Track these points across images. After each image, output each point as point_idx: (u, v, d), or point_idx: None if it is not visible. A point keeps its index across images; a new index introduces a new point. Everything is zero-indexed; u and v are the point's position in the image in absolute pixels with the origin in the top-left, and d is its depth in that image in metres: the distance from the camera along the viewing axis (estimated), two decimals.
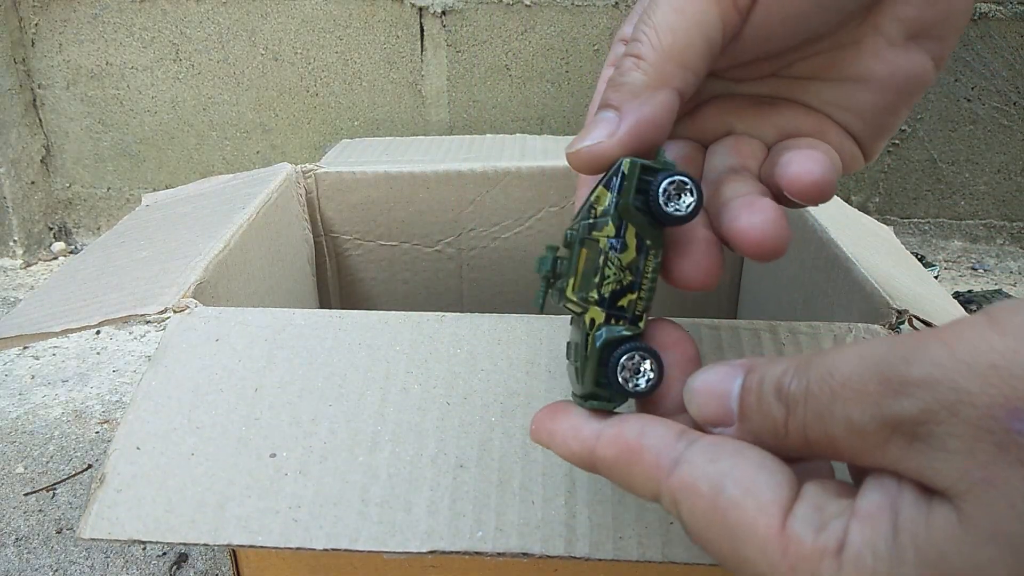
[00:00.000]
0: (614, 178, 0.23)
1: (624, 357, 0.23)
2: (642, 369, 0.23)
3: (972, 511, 0.16)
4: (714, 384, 0.21)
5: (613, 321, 0.23)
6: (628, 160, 0.23)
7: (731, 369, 0.21)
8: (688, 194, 0.23)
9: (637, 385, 0.23)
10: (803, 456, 0.20)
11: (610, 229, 0.23)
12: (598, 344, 0.23)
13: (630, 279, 0.23)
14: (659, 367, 0.23)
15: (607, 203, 0.23)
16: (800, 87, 0.28)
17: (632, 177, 0.23)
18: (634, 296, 0.23)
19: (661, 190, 0.23)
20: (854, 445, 0.18)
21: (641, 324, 0.24)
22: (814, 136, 0.27)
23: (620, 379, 0.23)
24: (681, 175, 0.23)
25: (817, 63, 0.27)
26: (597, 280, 0.23)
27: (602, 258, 0.23)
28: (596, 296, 0.23)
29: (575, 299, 0.23)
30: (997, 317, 0.16)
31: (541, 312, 0.24)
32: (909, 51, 0.26)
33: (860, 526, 0.18)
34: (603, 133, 0.24)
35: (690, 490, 0.20)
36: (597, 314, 0.23)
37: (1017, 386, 0.15)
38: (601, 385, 0.23)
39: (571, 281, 0.24)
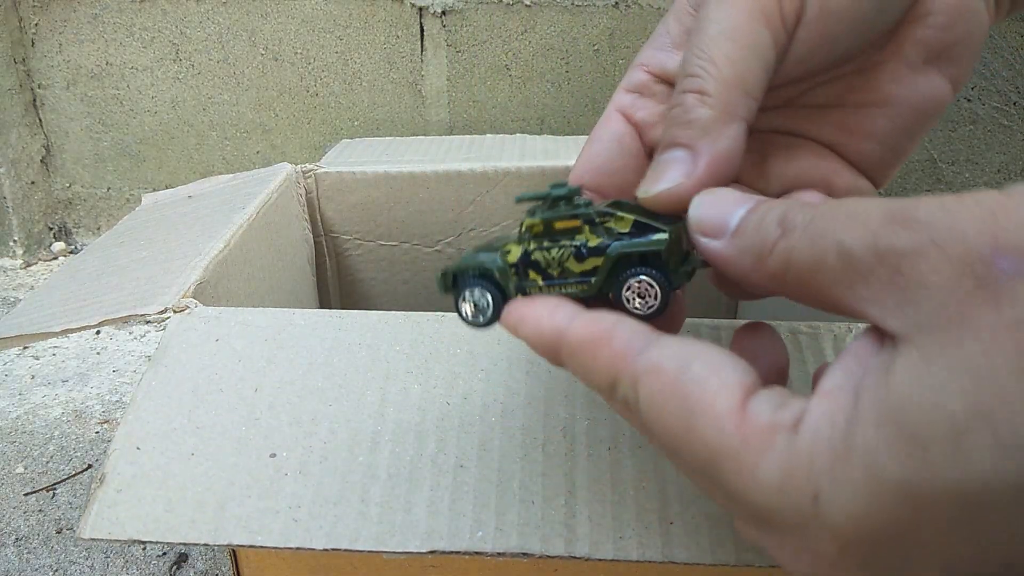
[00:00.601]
0: (639, 235, 0.23)
1: (478, 289, 0.25)
2: (482, 307, 0.25)
3: (939, 346, 0.16)
4: (726, 201, 0.22)
5: (512, 272, 0.25)
6: (665, 241, 0.23)
7: (747, 197, 0.22)
8: (650, 298, 0.23)
9: (465, 314, 0.26)
10: (769, 293, 0.20)
11: (594, 243, 0.24)
12: (484, 263, 0.25)
13: (554, 274, 0.24)
14: (490, 318, 0.25)
15: (619, 235, 0.24)
16: (818, 116, 0.27)
17: (645, 249, 0.23)
18: (539, 282, 0.25)
19: (625, 287, 0.23)
20: (833, 273, 0.18)
21: (518, 296, 0.25)
22: (820, 185, 0.27)
23: (459, 296, 0.26)
24: (654, 280, 0.23)
25: (837, 88, 0.27)
26: (545, 245, 0.24)
27: (567, 241, 0.24)
28: (532, 247, 0.24)
29: (525, 231, 0.25)
30: (1013, 190, 0.16)
31: (516, 203, 0.26)
32: (928, 74, 0.26)
33: (820, 400, 0.18)
34: (679, 174, 0.24)
35: (654, 369, 0.20)
36: (515, 253, 0.25)
37: (1010, 231, 0.15)
38: (455, 284, 0.26)
39: (542, 221, 0.24)
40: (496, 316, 0.25)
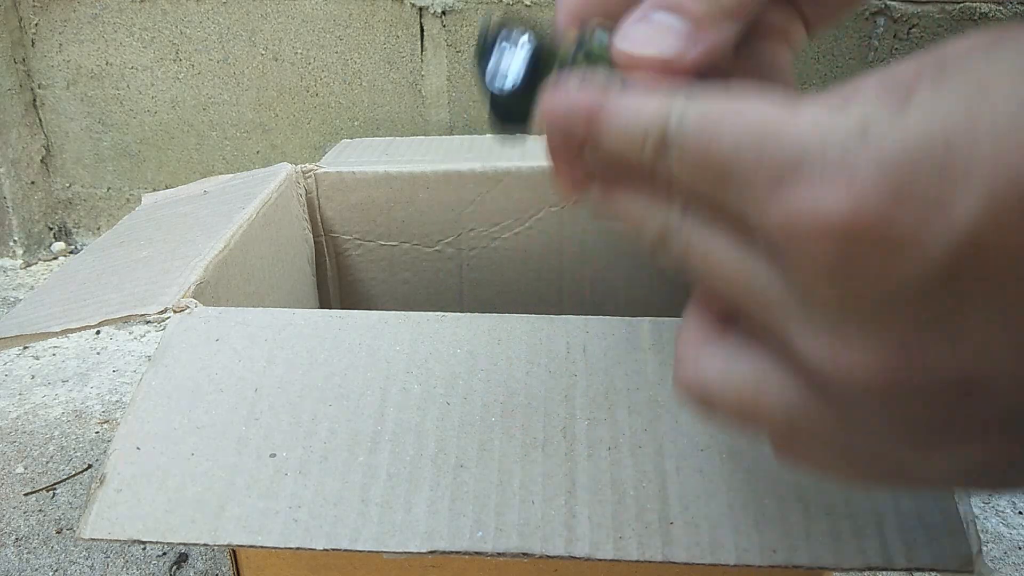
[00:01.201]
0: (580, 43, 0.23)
1: (521, 49, 0.23)
2: (515, 71, 0.23)
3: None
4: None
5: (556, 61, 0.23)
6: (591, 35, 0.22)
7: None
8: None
9: (500, 82, 0.23)
10: None
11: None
12: (542, 37, 0.23)
13: (562, 56, 0.23)
14: (517, 85, 0.23)
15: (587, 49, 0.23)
16: None
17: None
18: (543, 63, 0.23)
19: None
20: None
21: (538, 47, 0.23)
22: (780, 33, 0.27)
23: (491, 51, 0.23)
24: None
25: None
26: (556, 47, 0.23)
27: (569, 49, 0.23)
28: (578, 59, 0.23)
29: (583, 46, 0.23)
30: None
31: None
32: None
33: (869, 85, 0.17)
34: (669, 45, 0.21)
35: (708, 96, 0.18)
36: (565, 51, 0.23)
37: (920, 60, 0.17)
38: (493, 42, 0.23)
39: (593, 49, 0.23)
40: (521, 88, 0.23)
